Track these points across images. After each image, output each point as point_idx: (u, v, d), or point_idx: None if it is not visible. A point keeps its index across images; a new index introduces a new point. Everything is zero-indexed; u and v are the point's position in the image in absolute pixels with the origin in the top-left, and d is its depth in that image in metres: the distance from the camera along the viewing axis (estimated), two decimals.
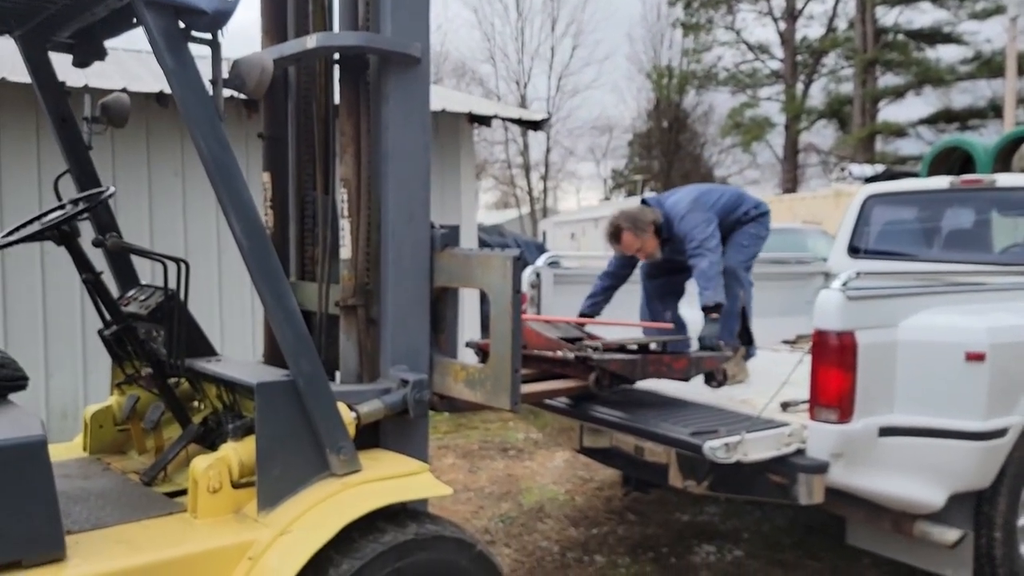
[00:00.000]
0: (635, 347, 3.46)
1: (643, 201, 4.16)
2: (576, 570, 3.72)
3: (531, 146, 32.95)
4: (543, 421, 3.78)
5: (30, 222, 2.45)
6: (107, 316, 2.56)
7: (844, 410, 2.83)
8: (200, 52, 2.04)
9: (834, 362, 2.83)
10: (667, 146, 31.81)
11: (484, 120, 7.06)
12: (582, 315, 4.13)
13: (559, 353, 3.36)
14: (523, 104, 30.71)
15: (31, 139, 5.30)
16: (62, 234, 2.39)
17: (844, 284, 2.89)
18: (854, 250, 5.42)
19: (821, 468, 2.83)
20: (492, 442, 5.89)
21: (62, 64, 2.76)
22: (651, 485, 4.20)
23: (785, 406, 3.13)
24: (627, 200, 24.12)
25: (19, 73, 5.08)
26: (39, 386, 5.32)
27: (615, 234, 3.96)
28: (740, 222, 4.16)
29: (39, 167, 5.30)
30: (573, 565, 3.78)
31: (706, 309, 3.79)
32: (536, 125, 7.40)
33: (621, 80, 48.10)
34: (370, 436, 2.45)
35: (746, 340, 4.17)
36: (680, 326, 4.30)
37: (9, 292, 5.32)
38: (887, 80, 27.29)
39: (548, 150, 33.21)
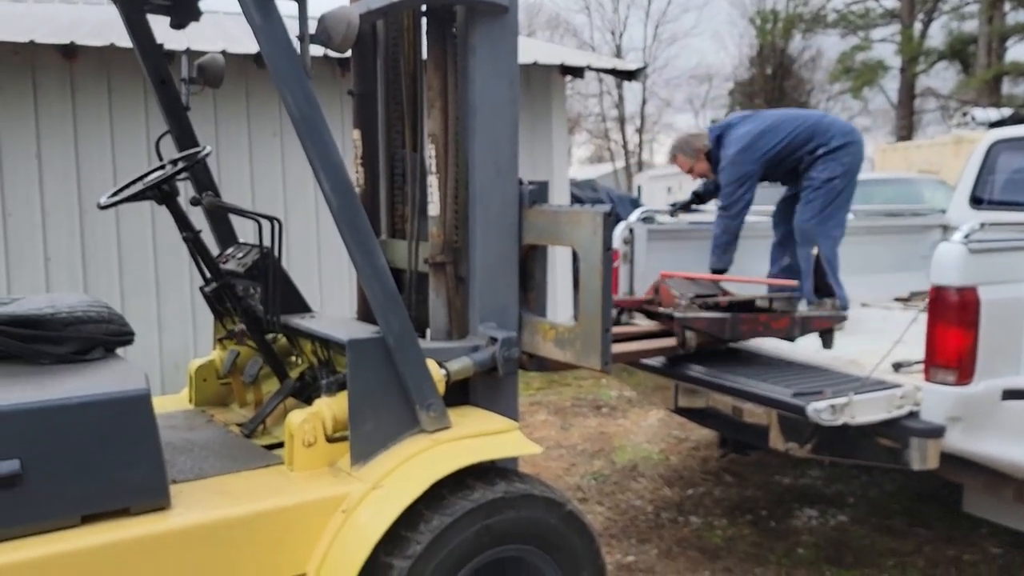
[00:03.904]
0: (727, 304, 3.32)
1: (712, 122, 4.38)
2: (670, 530, 3.66)
3: (626, 98, 32.26)
4: (637, 379, 3.70)
5: (133, 183, 2.53)
6: (207, 273, 2.64)
7: (964, 371, 2.63)
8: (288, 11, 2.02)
9: (953, 320, 2.62)
10: (771, 94, 30.41)
11: (577, 72, 6.89)
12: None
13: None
14: (618, 54, 29.99)
15: (140, 101, 5.52)
16: (162, 193, 2.45)
17: (966, 236, 2.67)
18: (977, 200, 5.03)
19: (936, 432, 2.66)
20: (585, 399, 5.86)
21: (164, 28, 2.82)
22: (750, 447, 4.07)
23: (897, 367, 2.95)
24: None
25: (127, 38, 5.27)
26: (153, 340, 5.61)
27: (672, 157, 4.47)
28: (806, 160, 4.11)
29: (147, 128, 5.52)
30: (667, 525, 3.72)
31: (713, 271, 4.10)
32: (631, 75, 7.17)
33: (722, 26, 46.09)
34: (460, 393, 2.45)
35: (826, 293, 4.06)
36: (795, 272, 4.21)
37: (124, 250, 5.60)
38: (1017, 16, 25.10)
39: (644, 102, 32.42)
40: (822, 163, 4.07)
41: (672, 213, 4.45)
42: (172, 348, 5.70)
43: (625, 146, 32.67)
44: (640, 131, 33.22)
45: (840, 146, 4.06)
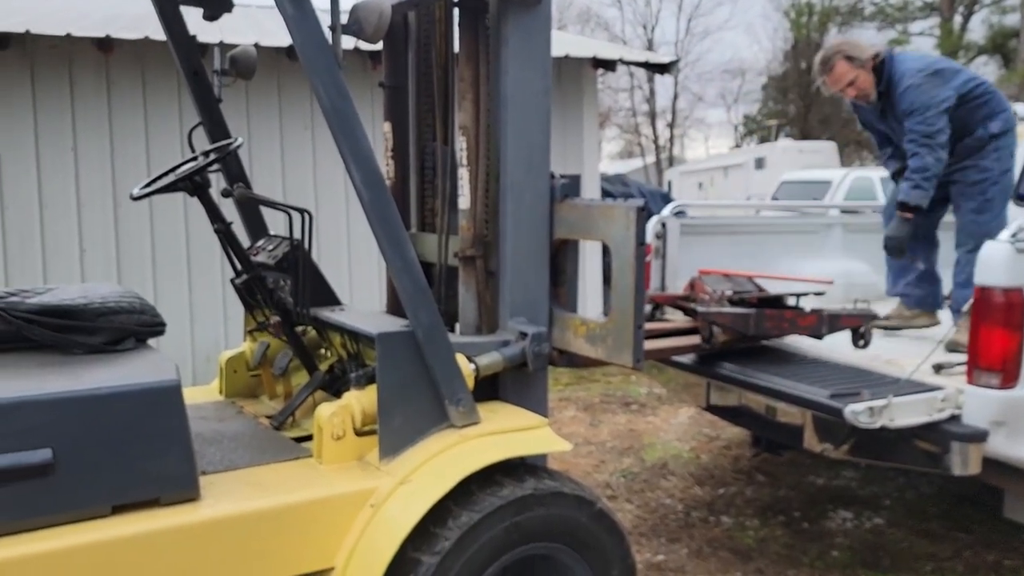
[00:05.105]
0: (757, 300, 3.26)
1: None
2: (701, 530, 3.61)
3: (657, 92, 32.03)
4: (667, 376, 3.65)
5: (165, 174, 2.53)
6: (238, 265, 2.64)
7: (1008, 374, 2.56)
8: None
9: (999, 321, 2.55)
10: (805, 89, 29.93)
11: (609, 65, 6.82)
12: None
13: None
14: (650, 48, 29.75)
15: (173, 94, 5.56)
16: (194, 185, 2.46)
17: (1013, 235, 2.59)
18: (1021, 198, 4.89)
19: (979, 436, 2.59)
20: (614, 396, 5.81)
21: (197, 21, 2.82)
22: (783, 447, 4.00)
23: (939, 368, 2.87)
24: (759, 147, 23.03)
25: (162, 32, 5.31)
26: (184, 332, 5.67)
27: (826, 61, 3.56)
28: (978, 133, 3.46)
29: (181, 121, 5.57)
30: (698, 525, 3.67)
31: (903, 206, 3.38)
32: (663, 68, 7.08)
33: (756, 19, 45.48)
34: (489, 388, 2.42)
35: None
36: (931, 278, 3.78)
37: (157, 241, 5.66)
38: None
39: (675, 96, 32.17)
40: (995, 150, 3.46)
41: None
42: (203, 340, 5.75)
43: (656, 141, 32.45)
44: (671, 126, 32.96)
45: (1011, 129, 3.50)
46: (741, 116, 34.26)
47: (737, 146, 31.51)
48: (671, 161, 31.53)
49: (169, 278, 5.69)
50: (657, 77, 29.18)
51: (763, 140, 28.00)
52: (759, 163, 18.74)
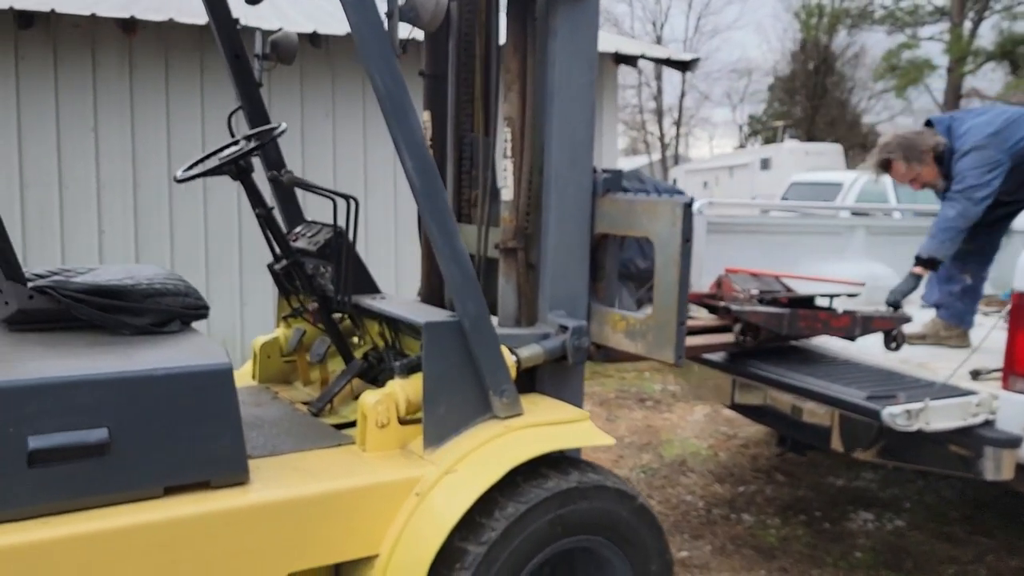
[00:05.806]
0: (788, 300, 3.26)
1: (927, 122, 3.58)
2: (723, 527, 3.62)
3: (665, 90, 31.98)
4: (691, 373, 3.65)
5: (207, 157, 2.53)
6: (277, 251, 2.63)
7: None
8: None
9: None
10: (812, 90, 29.98)
11: (630, 60, 6.81)
12: None
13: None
14: (658, 45, 29.71)
15: (196, 78, 5.54)
16: (238, 169, 2.45)
17: None
18: None
19: (1013, 442, 2.59)
20: (629, 392, 5.81)
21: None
22: (808, 447, 4.01)
23: (976, 374, 2.87)
24: (765, 147, 23.01)
25: (186, 14, 5.29)
26: None
27: (885, 164, 3.51)
28: None
29: (202, 105, 5.55)
30: (719, 522, 3.67)
31: (917, 259, 3.36)
32: (685, 66, 7.07)
33: (765, 19, 45.67)
34: (527, 381, 2.42)
35: None
36: (974, 294, 3.71)
37: (176, 226, 5.65)
38: None
39: (683, 94, 32.13)
40: None
41: None
42: (220, 325, 5.74)
43: (661, 138, 32.40)
44: (677, 124, 32.93)
45: None
46: (746, 116, 34.26)
47: (741, 146, 31.49)
48: (676, 159, 31.49)
49: (187, 262, 5.68)
50: (665, 75, 29.15)
51: (768, 141, 28.00)
52: (764, 164, 18.76)
